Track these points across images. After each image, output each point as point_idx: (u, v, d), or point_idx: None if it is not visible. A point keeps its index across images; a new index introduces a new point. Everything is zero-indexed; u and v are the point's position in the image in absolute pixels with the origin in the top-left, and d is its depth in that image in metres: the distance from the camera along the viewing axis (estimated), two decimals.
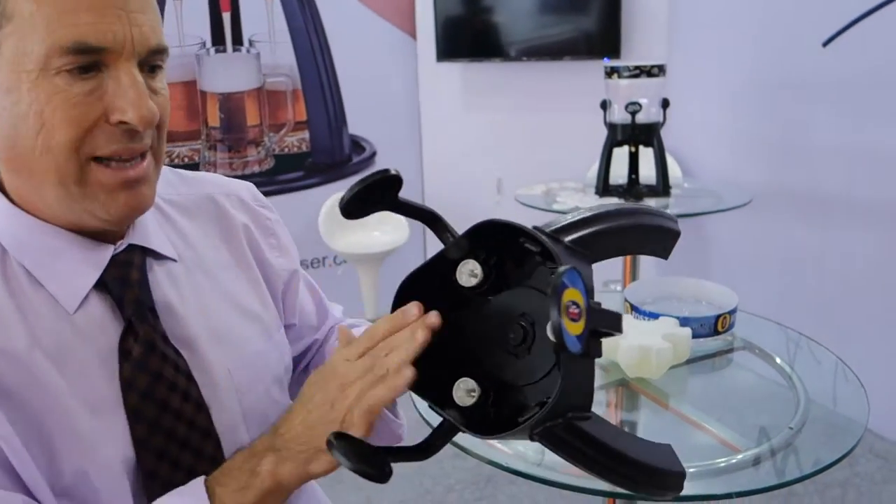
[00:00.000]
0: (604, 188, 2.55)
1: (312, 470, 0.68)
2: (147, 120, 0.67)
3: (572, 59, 3.43)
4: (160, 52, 0.70)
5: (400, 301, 0.69)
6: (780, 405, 1.30)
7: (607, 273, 2.70)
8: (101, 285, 0.72)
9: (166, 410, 0.72)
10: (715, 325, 1.46)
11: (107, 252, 0.73)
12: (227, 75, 3.44)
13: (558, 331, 0.54)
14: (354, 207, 0.65)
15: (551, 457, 1.17)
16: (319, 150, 3.70)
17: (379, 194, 0.66)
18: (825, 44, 2.56)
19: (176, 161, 3.38)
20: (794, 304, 2.78)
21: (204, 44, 3.37)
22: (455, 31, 3.60)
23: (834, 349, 1.46)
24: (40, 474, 0.66)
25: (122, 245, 0.74)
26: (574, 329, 0.55)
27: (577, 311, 0.56)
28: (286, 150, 3.63)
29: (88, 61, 0.64)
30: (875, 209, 2.53)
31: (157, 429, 0.71)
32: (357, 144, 3.80)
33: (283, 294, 0.92)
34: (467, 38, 3.60)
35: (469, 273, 0.65)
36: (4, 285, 0.69)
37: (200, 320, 0.78)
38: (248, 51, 3.43)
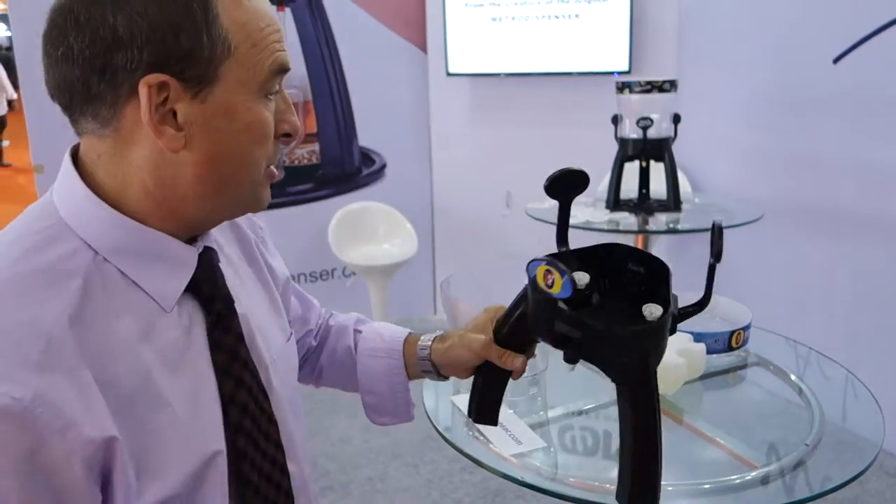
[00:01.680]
0: (614, 203, 2.55)
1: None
2: (300, 131, 0.77)
3: (582, 74, 3.44)
4: None
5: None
6: (795, 422, 1.30)
7: None
8: (190, 283, 0.76)
9: (251, 396, 0.78)
10: (729, 341, 1.46)
11: (193, 253, 0.77)
12: None
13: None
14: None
15: (564, 471, 1.17)
16: (329, 162, 3.71)
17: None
18: (836, 60, 2.56)
19: None
20: (804, 319, 2.77)
21: None
22: (465, 44, 3.62)
23: (844, 365, 1.45)
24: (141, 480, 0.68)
25: (200, 246, 0.78)
26: None
27: None
28: (296, 161, 3.65)
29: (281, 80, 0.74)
30: (886, 224, 2.52)
31: (244, 415, 0.77)
32: (367, 157, 3.81)
33: (282, 296, 0.97)
34: (478, 51, 3.61)
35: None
36: (103, 288, 0.70)
37: (250, 315, 0.83)
38: None
